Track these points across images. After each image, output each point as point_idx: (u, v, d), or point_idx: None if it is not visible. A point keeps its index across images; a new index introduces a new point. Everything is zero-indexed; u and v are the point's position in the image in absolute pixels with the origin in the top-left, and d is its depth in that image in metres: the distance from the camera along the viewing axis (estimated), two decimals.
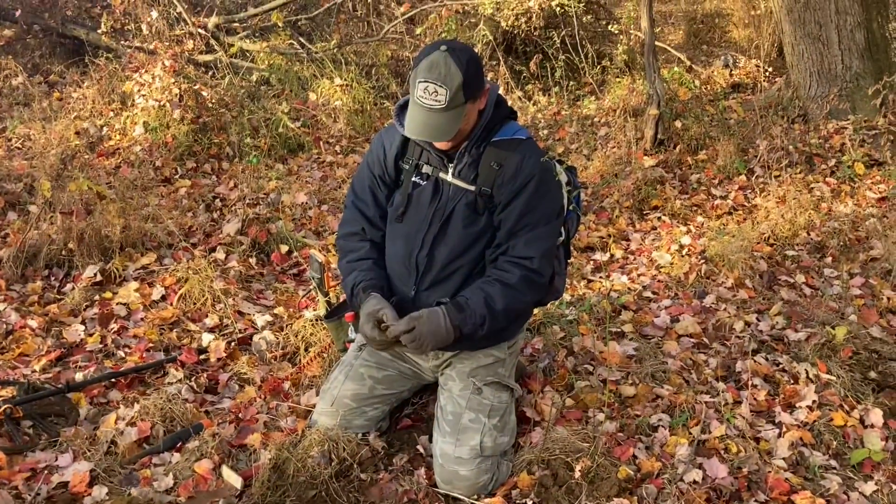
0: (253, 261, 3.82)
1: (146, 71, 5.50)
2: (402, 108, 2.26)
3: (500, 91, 6.16)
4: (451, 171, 2.27)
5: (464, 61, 2.07)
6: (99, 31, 6.47)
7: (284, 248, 3.95)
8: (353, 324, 2.67)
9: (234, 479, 2.30)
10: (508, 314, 2.25)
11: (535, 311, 3.11)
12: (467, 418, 2.35)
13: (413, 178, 2.32)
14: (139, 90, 5.41)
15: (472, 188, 2.25)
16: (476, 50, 6.97)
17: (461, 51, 2.09)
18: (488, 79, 2.26)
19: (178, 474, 2.34)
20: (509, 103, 2.38)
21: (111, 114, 5.53)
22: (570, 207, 2.42)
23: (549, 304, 3.23)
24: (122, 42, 6.55)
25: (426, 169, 2.30)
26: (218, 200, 4.49)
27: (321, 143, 5.62)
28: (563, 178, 2.36)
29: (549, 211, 2.27)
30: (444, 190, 2.29)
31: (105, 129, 5.39)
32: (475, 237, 2.27)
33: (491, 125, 2.24)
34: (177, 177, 4.88)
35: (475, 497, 2.28)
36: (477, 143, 2.24)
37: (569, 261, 2.59)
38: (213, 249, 3.85)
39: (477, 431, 2.32)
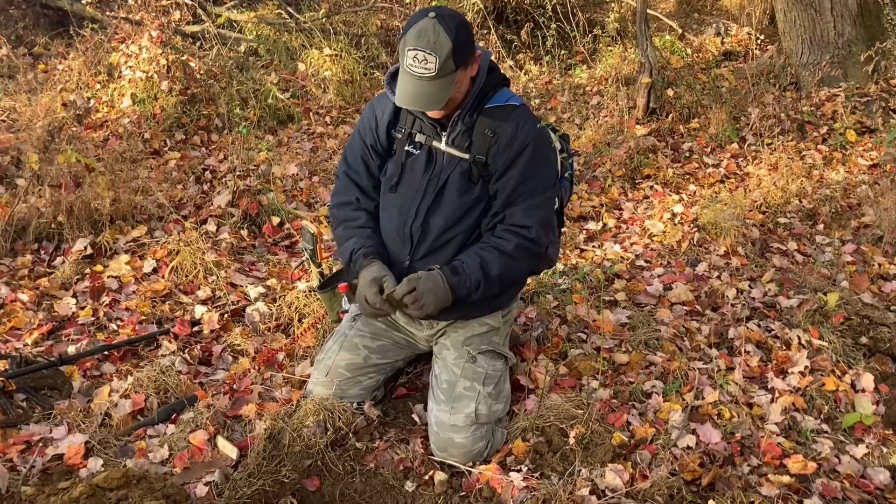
0: (244, 233, 3.80)
1: (133, 42, 5.42)
2: (394, 76, 2.23)
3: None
4: (444, 139, 2.25)
5: (453, 28, 2.04)
6: (83, 1, 6.36)
7: (276, 220, 3.92)
8: (346, 294, 2.66)
9: (229, 450, 2.30)
10: (503, 280, 2.25)
11: (529, 280, 3.11)
12: (462, 386, 2.35)
13: (406, 147, 2.30)
14: (126, 62, 5.33)
15: (467, 157, 2.23)
16: (466, 17, 6.89)
17: (450, 17, 2.06)
18: (480, 45, 2.22)
19: (174, 445, 2.34)
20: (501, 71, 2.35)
21: (98, 86, 5.45)
22: (566, 175, 2.41)
23: (542, 273, 3.24)
24: (108, 13, 6.43)
25: (419, 138, 2.28)
26: (208, 172, 4.46)
27: (311, 113, 5.57)
28: (558, 145, 2.34)
29: (546, 179, 2.25)
30: (437, 159, 2.27)
31: (92, 101, 5.31)
32: (470, 206, 2.26)
33: (484, 92, 2.22)
34: (166, 149, 4.83)
35: (470, 464, 2.29)
36: (470, 111, 2.21)
37: (563, 230, 2.58)
38: (204, 221, 3.82)
39: (472, 399, 2.33)
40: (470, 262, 2.20)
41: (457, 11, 2.18)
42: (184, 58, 5.38)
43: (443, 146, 2.26)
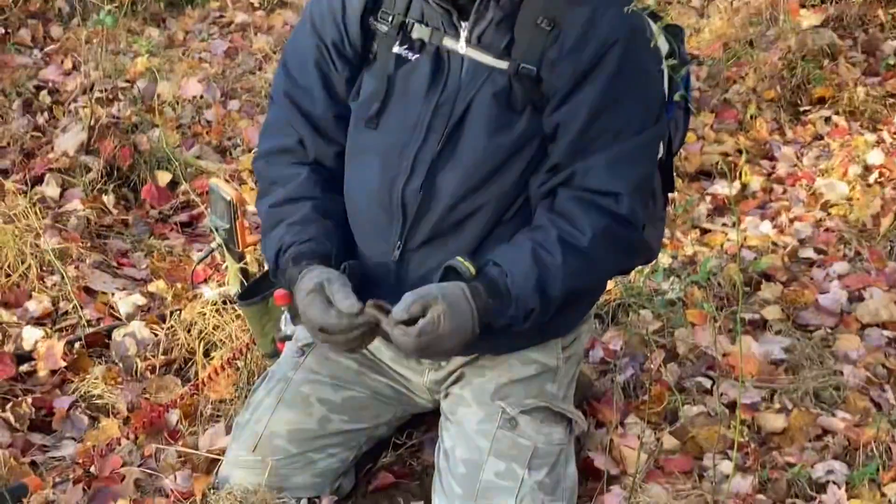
0: (109, 199, 3.81)
1: None
2: None
3: None
4: (464, 34, 2.25)
5: None
6: None
7: (165, 178, 3.94)
8: (288, 308, 2.67)
9: None
10: (570, 299, 2.25)
11: (610, 284, 3.12)
12: (492, 471, 2.35)
13: (395, 49, 2.31)
14: None
15: (505, 65, 2.23)
16: None
17: None
18: None
19: None
20: None
21: None
22: (677, 97, 2.41)
23: (634, 272, 3.23)
24: None
25: (419, 32, 2.28)
26: (45, 93, 4.46)
27: None
28: (664, 45, 2.34)
29: (644, 107, 2.25)
30: (451, 69, 2.27)
31: None
32: (508, 154, 2.26)
33: None
34: None
35: None
36: None
37: (670, 196, 2.58)
38: (40, 180, 3.84)
39: (510, 494, 2.33)
40: (520, 278, 2.16)
41: None
42: None
43: (461, 47, 2.26)
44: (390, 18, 2.31)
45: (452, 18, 2.25)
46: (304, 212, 2.34)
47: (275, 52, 5.01)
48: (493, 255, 2.22)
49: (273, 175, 2.42)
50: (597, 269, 2.28)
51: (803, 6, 5.19)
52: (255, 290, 2.75)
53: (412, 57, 2.29)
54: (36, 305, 3.27)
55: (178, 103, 4.40)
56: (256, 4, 5.53)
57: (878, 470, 2.67)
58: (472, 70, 2.25)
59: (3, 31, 5.02)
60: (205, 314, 3.11)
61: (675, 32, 2.41)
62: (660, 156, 2.37)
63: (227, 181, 3.62)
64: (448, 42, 2.26)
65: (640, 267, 3.09)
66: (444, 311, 2.09)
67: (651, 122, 2.26)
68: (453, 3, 2.23)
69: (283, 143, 2.43)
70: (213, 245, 2.86)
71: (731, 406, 2.85)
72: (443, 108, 2.26)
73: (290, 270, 2.26)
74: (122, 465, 2.67)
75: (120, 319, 3.22)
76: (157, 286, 3.36)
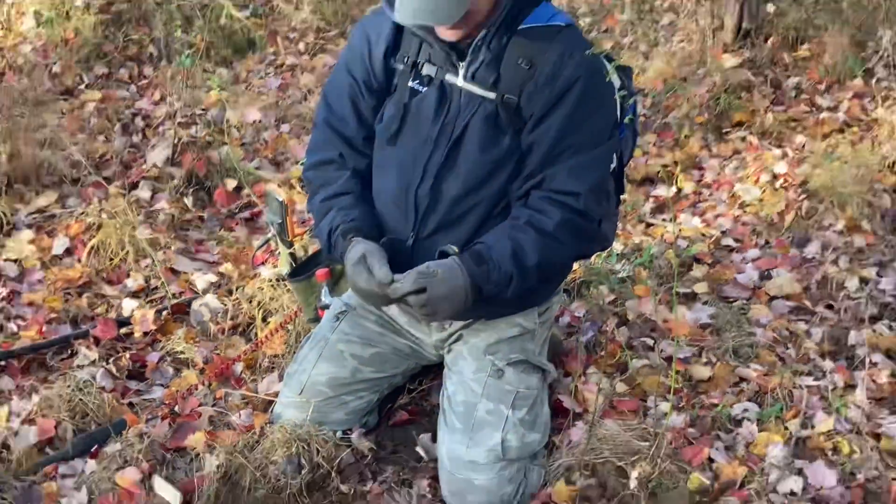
0: (189, 201, 3.81)
1: None
2: None
3: None
4: (461, 71, 2.24)
5: None
6: None
7: (231, 184, 3.93)
8: (327, 283, 2.66)
9: (170, 494, 2.31)
10: (543, 271, 2.25)
11: (575, 266, 3.11)
12: (484, 410, 2.35)
13: (410, 84, 2.30)
14: None
15: (493, 95, 2.22)
16: None
17: None
18: None
19: (95, 487, 2.35)
20: None
21: None
22: (626, 121, 2.39)
23: (594, 256, 3.23)
24: None
25: (428, 70, 2.27)
26: (139, 119, 4.46)
27: (279, 39, 5.56)
28: (616, 81, 2.32)
29: (601, 128, 2.24)
30: (452, 98, 2.26)
31: None
32: (496, 164, 2.26)
33: (517, 7, 2.20)
34: (82, 87, 4.83)
35: None
36: (498, 33, 2.20)
37: (621, 197, 2.57)
38: (135, 185, 3.83)
39: (497, 427, 2.33)
40: (499, 249, 2.18)
41: None
42: None
43: (460, 81, 2.25)
44: (406, 59, 2.30)
45: (453, 59, 2.24)
46: (349, 201, 2.36)
47: (317, 87, 5.00)
48: (480, 238, 2.24)
49: (321, 180, 2.42)
50: (561, 250, 2.25)
51: (726, 51, 5.17)
52: (301, 271, 2.75)
53: (422, 89, 2.29)
54: (133, 282, 3.27)
55: (241, 127, 4.40)
56: (303, 50, 5.52)
57: (781, 409, 2.67)
58: (468, 99, 2.25)
59: (108, 70, 5.01)
60: (262, 289, 3.11)
61: (625, 71, 2.42)
62: (613, 166, 2.36)
63: (279, 186, 3.62)
64: (449, 77, 2.26)
65: (598, 253, 3.09)
66: (439, 282, 2.13)
67: (605, 139, 2.25)
68: (454, 48, 2.22)
69: (327, 156, 2.43)
70: (269, 236, 2.85)
71: (669, 360, 2.84)
72: (445, 128, 2.26)
73: (341, 244, 2.28)
74: (199, 405, 2.67)
75: (197, 293, 3.21)
76: (226, 267, 3.36)
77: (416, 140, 2.30)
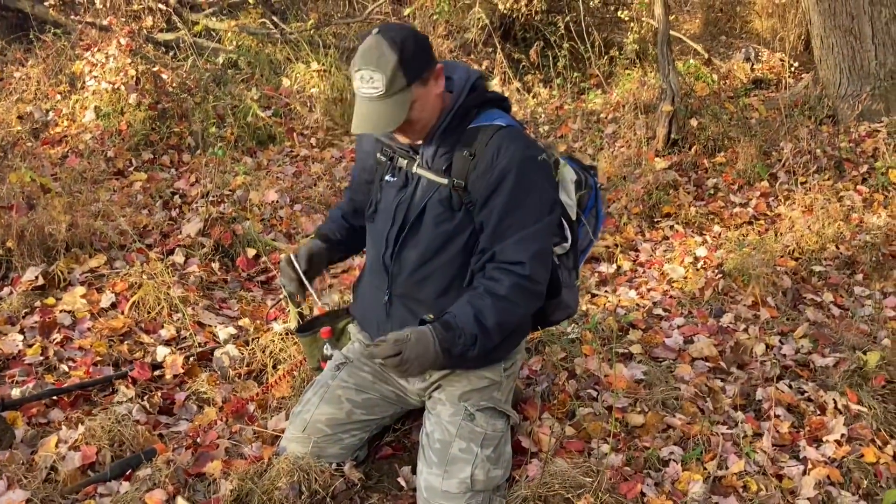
0: (216, 265, 3.80)
1: (99, 49, 5.47)
2: None
3: (496, 81, 6.13)
4: (417, 160, 2.29)
5: (398, 40, 2.08)
6: (46, 3, 6.42)
7: (251, 252, 3.93)
8: (329, 340, 2.65)
9: None
10: (502, 329, 2.24)
11: (538, 332, 3.11)
12: (457, 447, 2.33)
13: (385, 176, 2.37)
14: (90, 71, 5.37)
15: (445, 181, 2.25)
16: (470, 34, 6.98)
17: (397, 30, 2.11)
18: (465, 63, 2.27)
19: None
20: (506, 94, 2.38)
21: (58, 97, 5.49)
22: (588, 210, 2.45)
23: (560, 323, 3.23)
24: (72, 16, 6.49)
25: (400, 162, 2.34)
26: (177, 197, 4.47)
27: (295, 134, 5.61)
28: (572, 174, 2.37)
29: (538, 208, 2.24)
30: (412, 183, 2.30)
31: (51, 113, 5.34)
32: (448, 237, 2.27)
33: (464, 111, 2.24)
34: (131, 169, 4.85)
35: None
36: (448, 132, 2.24)
37: (578, 271, 2.57)
38: (171, 252, 3.82)
39: (468, 463, 2.30)
40: (462, 315, 2.18)
41: (405, 24, 2.23)
42: (155, 68, 5.43)
43: (416, 169, 2.30)
44: (385, 154, 2.37)
45: (411, 154, 2.31)
46: (335, 214, 2.67)
47: (325, 174, 5.04)
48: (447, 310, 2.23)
49: (333, 214, 2.66)
50: (515, 310, 2.23)
51: (657, 156, 5.25)
52: (308, 327, 2.74)
53: (391, 179, 2.36)
54: (166, 332, 3.24)
55: (261, 205, 4.41)
56: (314, 144, 5.56)
57: (701, 453, 2.66)
58: (427, 184, 2.29)
59: (153, 156, 5.04)
60: (274, 341, 3.09)
61: (589, 171, 2.47)
62: (567, 245, 2.39)
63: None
64: (412, 166, 2.31)
65: (564, 319, 3.05)
66: (413, 345, 2.13)
67: (543, 216, 2.25)
68: (411, 146, 2.30)
69: (341, 205, 2.65)
70: (281, 297, 2.84)
71: (609, 409, 2.83)
72: (402, 205, 2.33)
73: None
74: (217, 438, 2.63)
75: (219, 343, 3.19)
76: (244, 322, 3.34)
77: (384, 216, 2.35)
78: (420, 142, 2.26)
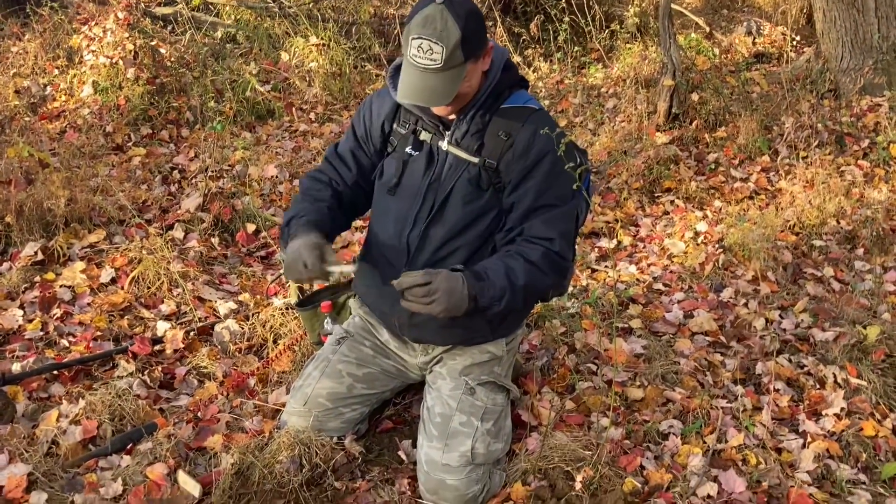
0: (215, 240, 3.79)
1: (96, 23, 5.42)
2: (397, 70, 2.23)
3: None
4: (447, 138, 2.25)
5: (462, 15, 2.04)
6: None
7: (251, 227, 3.92)
8: (329, 314, 2.65)
9: (191, 486, 2.28)
10: (528, 293, 2.24)
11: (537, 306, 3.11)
12: (458, 421, 2.33)
13: (407, 149, 2.31)
14: (88, 45, 5.33)
15: (476, 160, 2.23)
16: None
17: (460, 4, 2.06)
18: (493, 40, 2.24)
19: (128, 479, 2.31)
20: None
21: (56, 71, 5.45)
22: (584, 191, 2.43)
23: (553, 300, 3.23)
24: None
25: (423, 136, 2.29)
26: (176, 172, 4.45)
27: (294, 109, 5.58)
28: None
29: (566, 190, 2.23)
30: (439, 160, 2.27)
31: (49, 88, 5.31)
32: (477, 215, 2.26)
33: (498, 91, 2.22)
34: (130, 144, 4.83)
35: None
36: (483, 110, 2.22)
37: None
38: (171, 227, 3.81)
39: (468, 436, 2.31)
40: (494, 269, 2.17)
41: None
42: (153, 43, 5.39)
43: (444, 145, 2.26)
44: (407, 126, 2.31)
45: (439, 128, 2.26)
46: (322, 206, 2.38)
47: (324, 150, 5.01)
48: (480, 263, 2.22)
49: (307, 187, 2.45)
50: (543, 278, 2.23)
51: (658, 130, 5.22)
52: (308, 301, 2.74)
53: (415, 153, 2.30)
54: (166, 307, 3.24)
55: (261, 180, 4.40)
56: (313, 119, 5.53)
57: (700, 426, 2.67)
58: (454, 162, 2.26)
59: (152, 131, 5.01)
60: (274, 315, 3.09)
61: (584, 153, 2.45)
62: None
63: None
64: (437, 141, 2.26)
65: (556, 297, 3.09)
66: (443, 279, 2.11)
67: (570, 199, 2.27)
68: (440, 120, 2.24)
69: (322, 177, 2.47)
70: (281, 272, 2.84)
71: (609, 383, 2.83)
72: (433, 185, 2.28)
73: (299, 228, 2.27)
74: (218, 412, 2.64)
75: (219, 318, 3.18)
76: (244, 297, 3.33)
77: (409, 193, 2.31)
78: (453, 116, 2.23)
